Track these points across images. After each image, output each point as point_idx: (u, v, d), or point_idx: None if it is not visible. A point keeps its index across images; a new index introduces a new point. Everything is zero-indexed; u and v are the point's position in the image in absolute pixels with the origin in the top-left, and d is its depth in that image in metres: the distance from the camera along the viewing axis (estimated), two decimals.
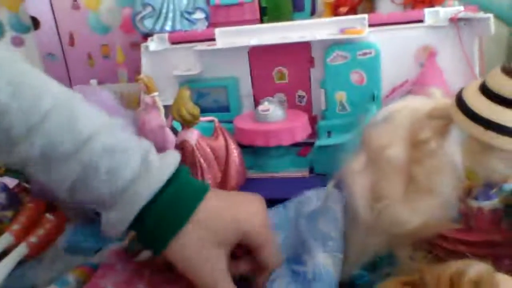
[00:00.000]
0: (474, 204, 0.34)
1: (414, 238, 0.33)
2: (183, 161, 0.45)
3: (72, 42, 0.75)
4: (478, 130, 0.27)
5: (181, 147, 0.46)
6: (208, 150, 0.46)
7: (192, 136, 0.46)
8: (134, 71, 0.76)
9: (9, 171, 0.53)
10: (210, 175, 0.46)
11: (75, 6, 0.72)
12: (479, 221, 0.34)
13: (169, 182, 0.32)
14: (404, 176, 0.34)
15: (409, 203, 0.33)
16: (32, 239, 0.42)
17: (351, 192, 0.35)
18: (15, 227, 0.42)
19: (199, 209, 0.32)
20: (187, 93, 0.44)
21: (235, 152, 0.47)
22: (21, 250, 0.40)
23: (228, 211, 0.33)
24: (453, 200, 0.32)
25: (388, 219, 0.33)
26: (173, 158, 0.34)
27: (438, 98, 0.33)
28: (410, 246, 0.34)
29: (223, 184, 0.47)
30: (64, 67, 0.77)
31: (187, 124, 0.45)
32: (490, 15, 0.45)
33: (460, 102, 0.29)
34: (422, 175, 0.33)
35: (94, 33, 0.74)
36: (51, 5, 0.72)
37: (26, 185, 0.53)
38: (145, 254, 0.39)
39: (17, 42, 0.78)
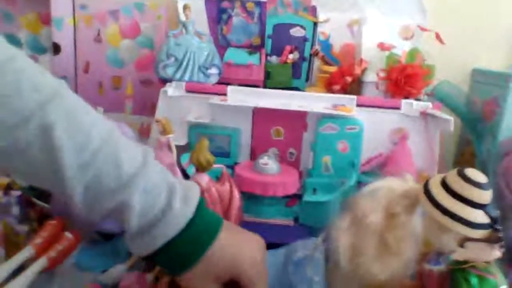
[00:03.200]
0: (427, 267, 0.44)
1: None
2: None
3: (86, 69, 0.81)
4: (437, 214, 0.37)
5: None
6: (215, 193, 0.54)
7: (204, 179, 0.53)
8: (139, 105, 0.83)
9: (23, 188, 0.57)
10: None
11: (98, 39, 0.79)
12: (429, 280, 0.44)
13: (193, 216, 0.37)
14: (379, 239, 0.43)
15: (380, 261, 0.42)
16: (52, 253, 0.46)
17: (336, 246, 0.44)
18: (38, 241, 0.47)
19: (212, 245, 0.37)
20: (206, 143, 0.52)
21: (237, 197, 0.55)
22: (42, 263, 0.45)
23: (230, 249, 0.38)
24: (412, 262, 0.42)
25: (363, 271, 0.42)
26: (195, 192, 0.38)
27: (410, 182, 0.43)
28: None
29: None
30: (74, 90, 0.82)
31: (202, 169, 0.53)
32: (451, 118, 0.57)
33: (427, 190, 0.39)
34: (392, 240, 0.42)
35: (109, 65, 0.81)
36: (75, 35, 0.79)
37: (36, 201, 0.58)
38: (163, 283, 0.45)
39: None
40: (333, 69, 0.74)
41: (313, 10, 0.79)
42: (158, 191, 0.36)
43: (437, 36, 0.69)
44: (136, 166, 0.36)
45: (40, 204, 0.57)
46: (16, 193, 0.55)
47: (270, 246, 0.52)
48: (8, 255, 0.45)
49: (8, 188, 0.55)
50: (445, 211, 0.36)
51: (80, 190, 0.34)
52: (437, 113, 0.60)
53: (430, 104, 0.63)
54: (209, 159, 0.52)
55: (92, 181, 0.34)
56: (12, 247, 0.49)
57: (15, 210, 0.53)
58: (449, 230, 0.37)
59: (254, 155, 0.68)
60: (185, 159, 0.64)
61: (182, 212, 0.37)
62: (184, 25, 0.69)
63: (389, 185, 0.44)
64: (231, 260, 0.38)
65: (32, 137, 0.32)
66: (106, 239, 0.54)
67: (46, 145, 0.32)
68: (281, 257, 0.50)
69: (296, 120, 0.66)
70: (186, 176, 0.62)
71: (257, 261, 0.40)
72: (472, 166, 0.70)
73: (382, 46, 0.69)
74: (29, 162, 0.33)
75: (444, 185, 0.38)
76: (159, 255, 0.37)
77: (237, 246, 0.39)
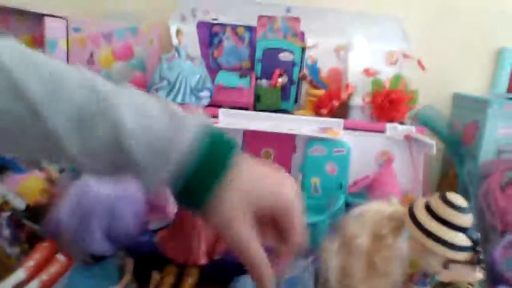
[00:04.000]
0: (413, 287, 0.46)
1: None
2: (182, 220, 0.53)
3: None
4: (422, 237, 0.39)
5: (183, 208, 0.54)
6: None
7: None
8: None
9: (13, 209, 0.57)
10: (203, 234, 0.55)
11: (90, 61, 0.80)
12: None
13: (202, 135, 0.30)
14: (367, 261, 0.45)
15: (368, 282, 0.44)
16: (44, 276, 0.46)
17: (326, 268, 0.45)
18: (30, 263, 0.47)
19: (238, 169, 0.30)
20: None
21: None
22: (33, 286, 0.45)
23: (268, 179, 0.32)
24: (399, 283, 0.44)
25: None
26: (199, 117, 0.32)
27: (395, 205, 0.45)
28: None
29: (215, 244, 0.55)
30: None
31: None
32: (434, 142, 0.60)
33: (411, 214, 0.41)
34: (380, 261, 0.44)
35: None
36: (68, 57, 0.80)
37: (27, 222, 0.58)
38: None
39: None
40: (321, 92, 0.76)
41: (301, 35, 0.82)
42: (148, 108, 0.30)
43: (419, 63, 0.73)
44: (111, 86, 0.31)
45: (30, 225, 0.57)
46: (5, 214, 0.55)
47: None
48: (0, 277, 0.45)
49: None
50: (429, 234, 0.38)
51: (63, 126, 0.29)
52: (421, 137, 0.63)
53: (413, 128, 0.65)
54: None
55: (71, 112, 0.29)
56: (4, 269, 0.49)
57: (5, 232, 0.53)
58: (433, 252, 0.39)
59: None
60: None
61: (187, 125, 0.30)
62: (177, 50, 0.71)
63: (376, 208, 0.46)
64: (273, 193, 0.32)
65: None
66: (97, 261, 0.54)
67: (8, 87, 0.28)
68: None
69: (285, 142, 0.68)
70: None
71: (297, 198, 0.33)
72: (455, 187, 0.74)
73: (367, 72, 0.72)
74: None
75: (428, 208, 0.40)
76: (179, 183, 0.30)
77: (277, 177, 0.33)
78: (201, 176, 0.30)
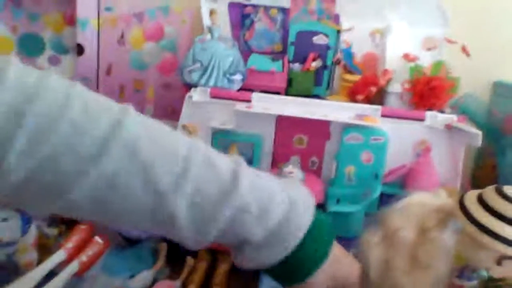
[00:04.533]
0: (458, 282, 0.44)
1: None
2: None
3: (109, 72, 0.82)
4: (475, 231, 0.37)
5: None
6: None
7: None
8: (160, 109, 0.83)
9: None
10: None
11: (121, 42, 0.80)
12: None
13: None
14: (410, 254, 0.43)
15: (411, 276, 0.42)
16: (83, 258, 0.47)
17: (367, 261, 0.44)
18: (69, 245, 0.47)
19: (329, 255, 0.35)
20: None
21: None
22: (73, 267, 0.46)
23: (345, 262, 0.37)
24: (444, 277, 0.42)
25: (394, 285, 0.42)
26: (308, 196, 0.35)
27: (443, 198, 0.43)
28: None
29: None
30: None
31: None
32: (480, 132, 0.57)
33: (462, 207, 0.39)
34: (424, 255, 0.42)
35: (132, 68, 0.81)
36: (98, 37, 0.79)
37: None
38: None
39: (54, 61, 0.83)
40: (355, 78, 0.74)
41: (336, 18, 0.79)
42: (268, 194, 0.32)
43: (464, 49, 0.69)
44: (234, 167, 0.31)
45: None
46: None
47: None
48: (40, 258, 0.46)
49: None
50: (483, 229, 0.36)
51: (182, 206, 0.29)
52: (464, 126, 0.60)
53: (455, 117, 0.63)
54: None
55: (193, 193, 0.29)
56: (43, 249, 0.49)
57: None
58: (487, 247, 0.37)
59: (275, 163, 0.68)
60: None
61: (302, 219, 0.33)
62: (210, 30, 0.69)
63: (421, 200, 0.44)
64: (344, 268, 0.36)
65: (117, 161, 0.27)
66: (132, 244, 0.55)
67: (134, 164, 0.28)
68: None
69: (319, 128, 0.66)
70: None
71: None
72: (493, 179, 0.71)
73: (407, 57, 0.70)
74: (122, 194, 0.28)
75: (481, 201, 0.38)
76: (277, 266, 0.33)
77: (348, 264, 0.37)
78: (306, 262, 0.33)
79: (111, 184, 0.27)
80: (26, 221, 0.44)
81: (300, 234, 0.32)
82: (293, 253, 0.32)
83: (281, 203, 0.32)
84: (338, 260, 0.36)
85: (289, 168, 0.61)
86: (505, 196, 0.37)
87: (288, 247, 0.32)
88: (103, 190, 0.27)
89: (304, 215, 0.33)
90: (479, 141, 0.57)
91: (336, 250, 0.36)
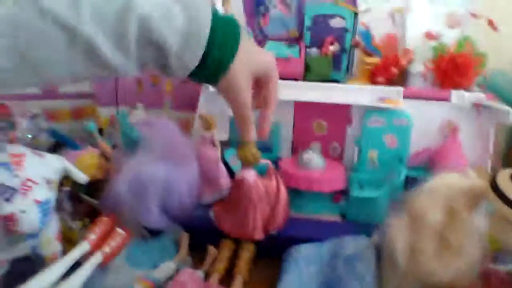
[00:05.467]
0: (492, 267, 0.42)
1: None
2: (238, 195, 0.52)
3: None
4: (510, 212, 0.35)
5: (239, 183, 0.53)
6: (262, 188, 0.53)
7: (250, 175, 0.52)
8: (178, 101, 0.83)
9: (72, 184, 0.57)
10: (259, 210, 0.53)
11: None
12: (494, 281, 0.42)
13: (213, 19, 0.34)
14: (438, 237, 0.41)
15: (441, 260, 0.41)
16: (106, 249, 0.47)
17: (393, 245, 0.42)
18: (92, 237, 0.47)
19: (241, 46, 0.36)
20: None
21: (284, 192, 0.54)
22: (97, 258, 0.46)
23: (258, 54, 0.39)
24: (476, 262, 0.40)
25: (423, 270, 0.41)
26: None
27: (473, 178, 0.41)
28: None
29: (271, 219, 0.53)
30: (113, 88, 0.83)
31: (248, 165, 0.52)
32: (510, 109, 0.54)
33: (495, 187, 0.37)
34: (454, 238, 0.41)
35: None
36: None
37: (85, 197, 0.59)
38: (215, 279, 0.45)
39: None
40: (376, 60, 0.71)
41: (353, 0, 0.76)
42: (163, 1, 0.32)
43: (490, 23, 0.66)
44: None
45: (89, 200, 0.58)
46: (66, 189, 0.56)
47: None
48: (65, 251, 0.46)
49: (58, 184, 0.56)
50: None
51: (91, 31, 0.30)
52: (494, 104, 0.57)
53: (483, 95, 0.60)
54: (255, 155, 0.51)
55: (94, 17, 0.30)
56: (68, 242, 0.50)
57: (67, 206, 0.54)
58: None
59: (295, 150, 0.67)
60: (229, 154, 0.64)
61: (205, 12, 0.33)
62: None
63: (448, 182, 0.43)
64: (262, 62, 0.39)
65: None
66: (154, 235, 0.55)
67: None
68: (326, 250, 0.49)
69: (339, 113, 0.64)
70: (231, 172, 0.62)
71: (275, 66, 0.41)
72: None
73: (429, 36, 0.67)
74: (32, 39, 0.29)
75: None
76: (201, 66, 0.34)
77: (261, 51, 0.40)
78: (220, 55, 0.35)
79: (16, 27, 0.28)
80: (44, 212, 0.44)
81: (208, 24, 0.33)
82: (209, 45, 0.34)
83: (176, 2, 0.33)
84: (251, 47, 0.38)
85: (309, 154, 0.60)
86: None
87: (202, 41, 0.33)
88: (10, 38, 0.28)
89: (205, 9, 0.34)
90: (510, 119, 0.54)
91: (245, 39, 0.37)
